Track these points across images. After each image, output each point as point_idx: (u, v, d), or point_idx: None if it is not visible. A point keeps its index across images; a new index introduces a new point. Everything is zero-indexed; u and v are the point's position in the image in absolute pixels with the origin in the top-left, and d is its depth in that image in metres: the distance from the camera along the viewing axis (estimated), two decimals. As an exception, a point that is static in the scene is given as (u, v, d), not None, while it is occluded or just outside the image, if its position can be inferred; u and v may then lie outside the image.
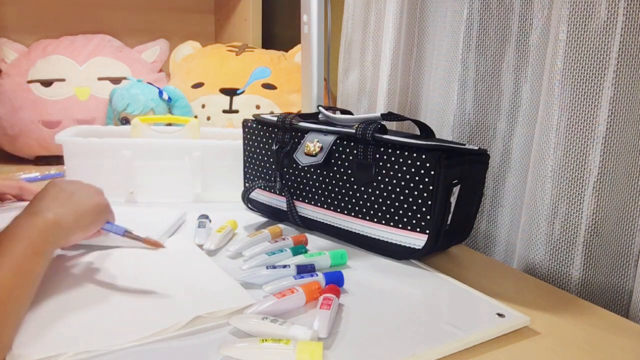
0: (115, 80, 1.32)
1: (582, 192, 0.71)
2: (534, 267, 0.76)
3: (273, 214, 0.88)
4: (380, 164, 0.73)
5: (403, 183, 0.71)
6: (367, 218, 0.76)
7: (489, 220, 0.92)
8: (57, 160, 1.25)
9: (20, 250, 0.54)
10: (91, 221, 0.65)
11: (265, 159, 0.88)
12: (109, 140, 0.94)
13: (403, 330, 0.56)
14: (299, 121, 0.83)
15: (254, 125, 0.89)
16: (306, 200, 0.83)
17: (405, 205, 0.72)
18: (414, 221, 0.71)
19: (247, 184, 0.92)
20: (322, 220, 0.81)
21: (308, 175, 0.82)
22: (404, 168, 0.71)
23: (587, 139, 0.70)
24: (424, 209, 0.70)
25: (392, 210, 0.73)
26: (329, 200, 0.80)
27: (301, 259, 0.70)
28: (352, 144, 0.76)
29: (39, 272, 0.56)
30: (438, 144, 0.70)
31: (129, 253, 0.72)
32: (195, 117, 1.25)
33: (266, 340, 0.50)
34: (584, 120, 0.70)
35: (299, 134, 0.82)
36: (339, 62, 1.18)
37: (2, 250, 0.53)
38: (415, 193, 0.70)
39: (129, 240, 0.72)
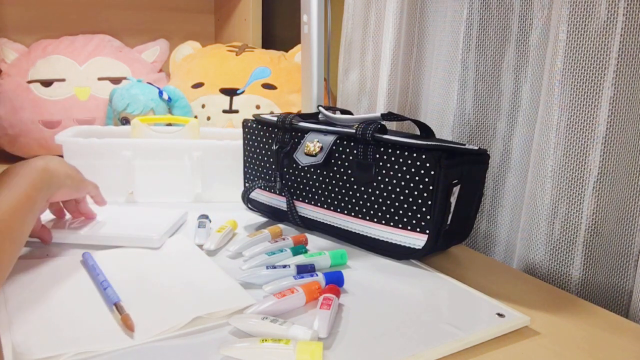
0: (115, 80, 1.32)
1: (582, 192, 0.71)
2: (534, 267, 0.76)
3: (273, 214, 0.88)
4: (380, 164, 0.73)
5: (403, 183, 0.71)
6: (367, 218, 0.76)
7: (489, 220, 0.92)
8: (57, 160, 1.24)
9: (23, 186, 0.60)
10: (79, 181, 0.74)
11: (265, 159, 0.88)
12: (109, 141, 0.94)
13: (403, 330, 0.56)
14: (299, 121, 0.83)
15: (254, 125, 0.89)
16: (306, 200, 0.83)
17: (405, 205, 0.72)
18: (414, 221, 0.71)
19: (247, 184, 0.92)
20: (322, 220, 0.81)
21: (308, 175, 0.82)
22: (404, 168, 0.71)
23: (587, 139, 0.70)
24: (424, 209, 0.70)
25: (392, 210, 0.73)
26: (329, 200, 0.80)
27: (301, 259, 0.70)
28: (352, 144, 0.76)
29: (37, 209, 0.63)
30: (438, 144, 0.70)
31: (129, 254, 0.72)
32: (195, 117, 1.25)
33: (266, 340, 0.50)
34: (584, 120, 0.70)
35: (299, 134, 0.82)
36: (339, 62, 1.18)
37: (6, 185, 0.59)
38: (415, 193, 0.70)
39: (128, 240, 0.75)
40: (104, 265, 0.67)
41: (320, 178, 0.80)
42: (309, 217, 0.83)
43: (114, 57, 1.36)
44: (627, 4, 0.65)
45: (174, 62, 1.39)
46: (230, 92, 1.26)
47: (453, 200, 0.71)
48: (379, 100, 1.04)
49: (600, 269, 0.73)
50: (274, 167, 0.86)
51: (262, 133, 0.88)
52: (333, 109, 0.89)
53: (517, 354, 0.54)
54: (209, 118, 1.25)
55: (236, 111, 1.25)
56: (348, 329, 0.56)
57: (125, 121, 1.19)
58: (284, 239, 0.76)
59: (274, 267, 0.66)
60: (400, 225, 0.73)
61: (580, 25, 0.68)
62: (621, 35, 0.66)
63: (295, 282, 0.63)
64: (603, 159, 0.69)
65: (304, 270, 0.67)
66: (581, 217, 0.72)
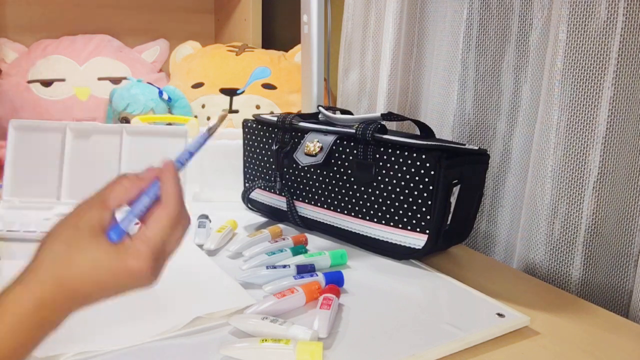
0: (115, 80, 1.32)
1: (582, 192, 0.71)
2: (534, 267, 0.76)
3: (273, 214, 0.88)
4: (380, 164, 0.73)
5: (403, 183, 0.71)
6: (367, 218, 0.76)
7: (489, 220, 0.92)
8: (57, 160, 1.24)
9: None
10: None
11: (265, 159, 0.88)
12: (109, 140, 0.93)
13: (403, 330, 0.56)
14: (299, 121, 0.83)
15: (254, 125, 0.89)
16: (306, 200, 0.83)
17: (405, 205, 0.72)
18: (414, 221, 0.71)
19: (247, 184, 0.92)
20: (322, 220, 0.81)
21: (308, 175, 0.82)
22: (404, 168, 0.71)
23: (587, 139, 0.70)
24: (424, 209, 0.70)
25: (392, 210, 0.73)
26: (329, 200, 0.80)
27: (301, 259, 0.70)
28: (352, 144, 0.76)
29: None
30: (438, 144, 0.70)
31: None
32: (195, 117, 1.25)
33: (266, 340, 0.50)
34: (584, 120, 0.70)
35: (299, 134, 0.82)
36: (339, 62, 1.18)
37: None
38: (415, 193, 0.70)
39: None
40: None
41: (320, 178, 0.80)
42: (309, 217, 0.83)
43: (114, 57, 1.36)
44: (627, 4, 0.65)
45: (174, 62, 1.39)
46: (230, 92, 1.26)
47: (453, 200, 0.71)
48: (379, 100, 1.04)
49: (600, 269, 0.73)
50: (274, 167, 0.86)
51: (262, 133, 0.88)
52: (333, 109, 0.89)
53: (517, 354, 0.54)
54: (209, 118, 1.25)
55: (236, 111, 1.25)
56: (348, 329, 0.56)
57: (125, 121, 1.19)
58: (284, 239, 0.76)
59: (274, 267, 0.66)
60: (400, 225, 0.73)
61: (580, 25, 0.68)
62: (621, 35, 0.66)
63: (295, 282, 0.63)
64: (603, 159, 0.69)
65: (304, 270, 0.67)
66: (581, 217, 0.72)
